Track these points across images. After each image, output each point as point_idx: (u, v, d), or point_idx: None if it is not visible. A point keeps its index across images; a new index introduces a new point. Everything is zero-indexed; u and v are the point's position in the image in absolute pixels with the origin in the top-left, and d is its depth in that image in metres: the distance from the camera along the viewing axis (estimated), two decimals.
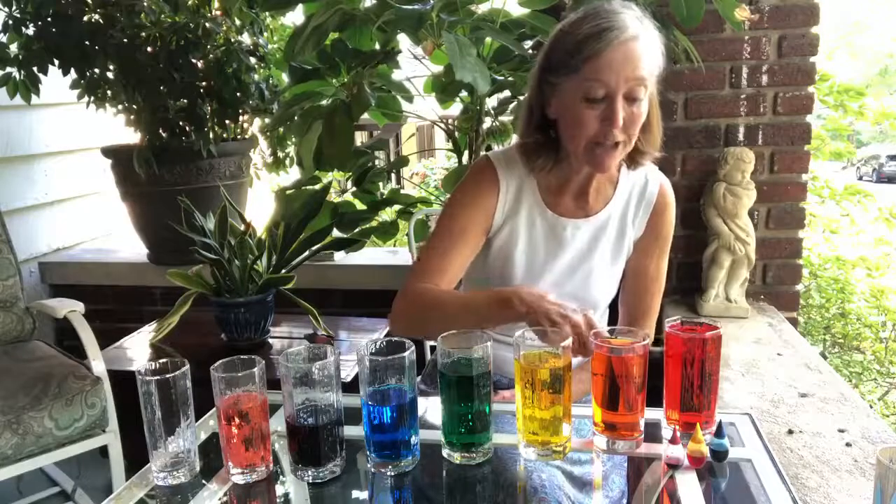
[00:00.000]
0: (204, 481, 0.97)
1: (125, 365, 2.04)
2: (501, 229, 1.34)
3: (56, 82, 2.44)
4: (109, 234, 3.22)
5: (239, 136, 2.77)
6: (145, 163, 2.42)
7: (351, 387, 1.55)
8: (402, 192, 2.48)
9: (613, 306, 1.43)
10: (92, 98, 2.47)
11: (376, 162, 2.31)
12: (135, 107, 2.45)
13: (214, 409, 0.96)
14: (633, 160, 1.28)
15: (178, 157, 2.52)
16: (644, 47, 1.12)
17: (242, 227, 2.09)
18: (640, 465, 0.99)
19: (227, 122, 2.64)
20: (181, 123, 2.51)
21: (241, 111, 2.62)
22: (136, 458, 1.09)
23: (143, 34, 2.37)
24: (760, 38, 2.02)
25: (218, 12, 2.58)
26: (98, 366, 1.89)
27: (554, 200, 1.33)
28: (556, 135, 1.25)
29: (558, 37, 1.19)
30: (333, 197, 2.53)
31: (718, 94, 2.07)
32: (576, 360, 1.17)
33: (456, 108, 2.33)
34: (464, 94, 2.20)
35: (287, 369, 0.94)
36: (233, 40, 2.55)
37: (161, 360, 0.96)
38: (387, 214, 2.76)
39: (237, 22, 2.58)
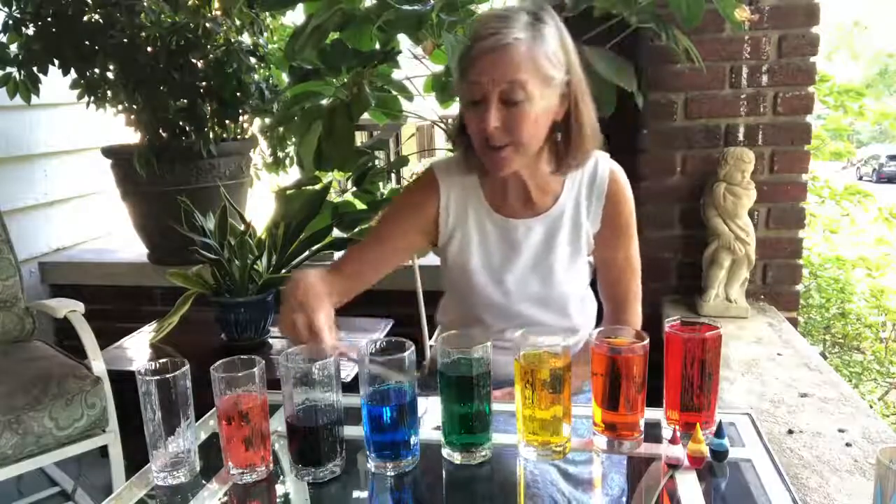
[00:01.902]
0: (204, 481, 0.97)
1: (125, 365, 2.04)
2: (452, 238, 1.35)
3: (56, 82, 2.44)
4: (109, 234, 3.22)
5: (239, 136, 2.77)
6: (145, 163, 2.42)
7: (351, 387, 1.55)
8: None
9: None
10: (92, 98, 2.47)
11: (376, 162, 2.31)
12: (135, 107, 2.45)
13: (214, 409, 0.96)
14: (558, 167, 1.27)
15: (178, 157, 2.51)
16: (522, 51, 1.13)
17: (242, 227, 2.09)
18: (640, 465, 0.99)
19: (227, 122, 2.63)
20: (181, 123, 2.51)
21: (241, 111, 2.62)
22: (136, 458, 1.09)
23: (143, 34, 2.37)
24: (760, 38, 2.02)
25: (218, 12, 2.58)
26: (98, 366, 1.89)
27: (501, 203, 1.33)
28: None
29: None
30: (333, 197, 2.52)
31: (718, 94, 2.07)
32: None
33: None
34: None
35: (287, 369, 0.94)
36: (233, 40, 2.55)
37: (161, 360, 0.96)
38: None
39: (237, 22, 2.58)
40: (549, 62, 1.16)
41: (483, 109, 1.16)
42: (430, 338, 1.93)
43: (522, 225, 1.32)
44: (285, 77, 2.42)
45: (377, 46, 2.05)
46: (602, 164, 1.32)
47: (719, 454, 0.95)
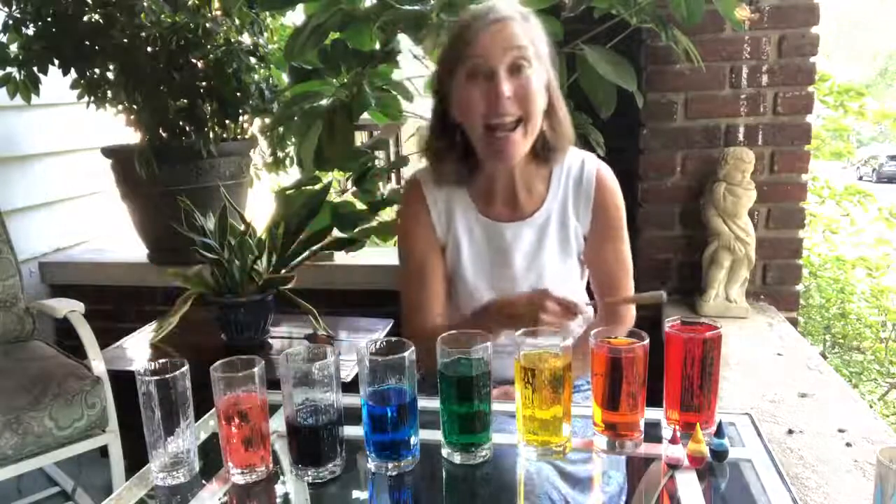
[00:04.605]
0: (204, 481, 0.97)
1: (125, 365, 2.04)
2: (445, 246, 1.35)
3: (56, 82, 2.44)
4: (109, 234, 3.22)
5: (239, 136, 2.77)
6: (145, 163, 2.42)
7: (351, 387, 1.55)
8: (402, 192, 2.47)
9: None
10: (92, 98, 2.47)
11: (376, 162, 2.31)
12: (135, 107, 2.45)
13: (214, 408, 0.96)
14: (545, 156, 1.27)
15: (178, 157, 2.51)
16: (519, 25, 1.18)
17: (242, 227, 2.09)
18: (640, 465, 0.99)
19: (227, 122, 2.63)
20: (181, 123, 2.51)
21: (241, 111, 2.62)
22: (136, 458, 1.09)
23: (143, 34, 2.37)
24: (760, 38, 2.02)
25: (218, 12, 2.58)
26: (98, 366, 1.89)
27: (487, 207, 1.33)
28: (462, 137, 1.27)
29: (447, 41, 1.26)
30: (333, 197, 2.52)
31: (718, 94, 2.07)
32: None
33: None
34: None
35: (287, 369, 0.94)
36: (233, 40, 2.55)
37: (161, 360, 0.96)
38: (387, 214, 2.75)
39: (237, 22, 2.58)
40: (542, 41, 1.22)
41: (492, 83, 1.16)
42: None
43: (510, 229, 1.31)
44: (285, 77, 2.42)
45: (377, 46, 2.05)
46: (589, 165, 1.31)
47: (719, 454, 0.95)
